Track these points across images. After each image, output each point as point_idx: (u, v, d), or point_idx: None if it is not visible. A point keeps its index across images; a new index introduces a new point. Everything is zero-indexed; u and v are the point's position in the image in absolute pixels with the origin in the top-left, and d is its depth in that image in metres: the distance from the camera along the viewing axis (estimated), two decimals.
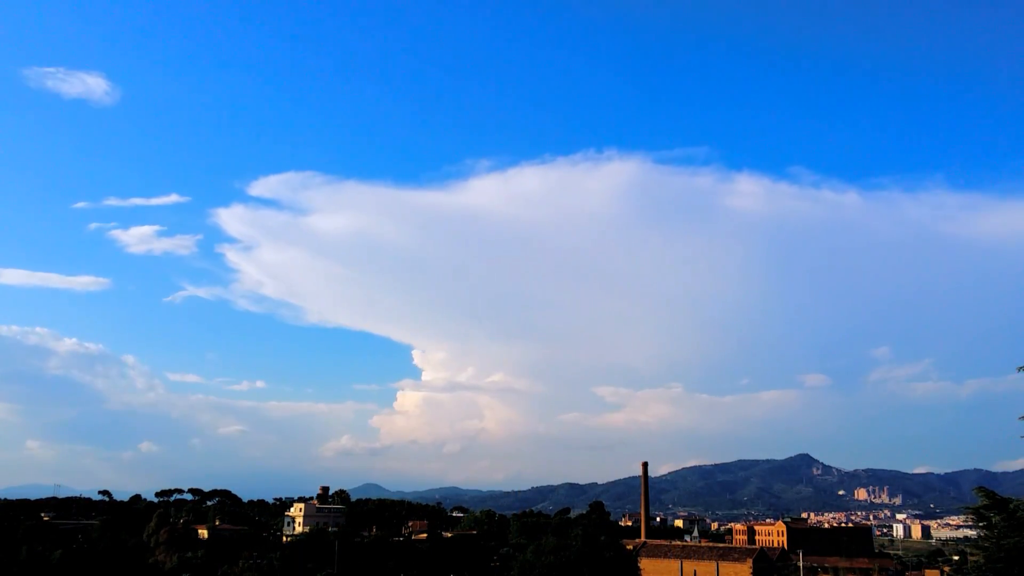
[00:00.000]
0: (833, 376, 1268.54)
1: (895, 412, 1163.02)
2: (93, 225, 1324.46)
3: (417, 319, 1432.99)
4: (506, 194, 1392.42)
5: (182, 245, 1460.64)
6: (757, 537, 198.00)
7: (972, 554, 29.60)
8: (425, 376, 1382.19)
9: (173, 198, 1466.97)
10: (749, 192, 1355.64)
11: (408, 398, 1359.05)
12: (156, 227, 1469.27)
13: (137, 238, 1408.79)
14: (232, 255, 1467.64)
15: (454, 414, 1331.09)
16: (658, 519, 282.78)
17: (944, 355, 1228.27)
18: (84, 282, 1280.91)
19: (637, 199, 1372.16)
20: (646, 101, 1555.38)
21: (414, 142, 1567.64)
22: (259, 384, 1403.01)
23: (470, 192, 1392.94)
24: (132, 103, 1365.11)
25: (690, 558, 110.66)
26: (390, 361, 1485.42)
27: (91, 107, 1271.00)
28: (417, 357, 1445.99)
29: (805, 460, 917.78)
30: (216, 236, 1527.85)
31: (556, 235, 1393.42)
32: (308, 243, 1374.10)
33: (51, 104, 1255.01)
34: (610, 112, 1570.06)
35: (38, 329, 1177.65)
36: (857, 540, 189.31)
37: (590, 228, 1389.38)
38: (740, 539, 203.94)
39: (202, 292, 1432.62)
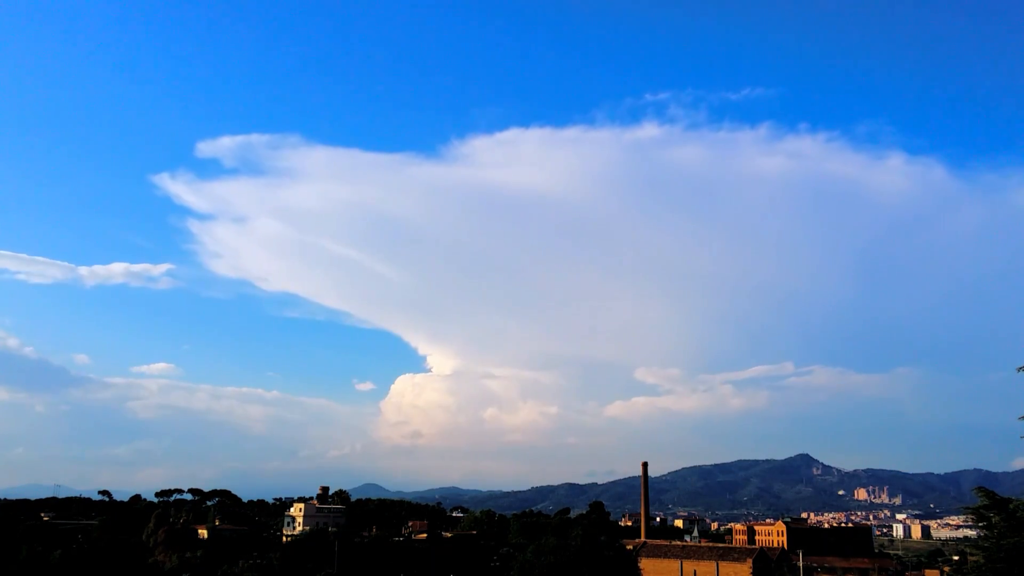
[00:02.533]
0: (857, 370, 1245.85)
1: (896, 410, 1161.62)
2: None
3: (418, 305, 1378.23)
4: (517, 164, 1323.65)
5: (140, 221, 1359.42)
6: (757, 537, 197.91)
7: (972, 554, 29.63)
8: (426, 369, 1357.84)
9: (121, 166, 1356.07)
10: (802, 154, 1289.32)
11: (407, 395, 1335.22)
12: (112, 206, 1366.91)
13: (95, 218, 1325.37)
14: (205, 231, 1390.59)
15: (455, 412, 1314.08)
16: (658, 519, 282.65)
17: (947, 353, 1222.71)
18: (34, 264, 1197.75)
19: (668, 169, 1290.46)
20: (712, 39, 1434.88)
21: (412, 106, 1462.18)
22: (242, 378, 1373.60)
23: (473, 163, 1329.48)
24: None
25: (690, 558, 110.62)
26: (387, 353, 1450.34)
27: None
28: (418, 349, 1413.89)
29: (805, 460, 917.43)
30: (182, 210, 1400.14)
31: (575, 208, 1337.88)
32: (293, 218, 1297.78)
33: None
34: (673, 50, 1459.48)
35: None
36: (857, 540, 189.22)
37: (612, 202, 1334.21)
38: (740, 539, 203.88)
39: (167, 274, 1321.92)
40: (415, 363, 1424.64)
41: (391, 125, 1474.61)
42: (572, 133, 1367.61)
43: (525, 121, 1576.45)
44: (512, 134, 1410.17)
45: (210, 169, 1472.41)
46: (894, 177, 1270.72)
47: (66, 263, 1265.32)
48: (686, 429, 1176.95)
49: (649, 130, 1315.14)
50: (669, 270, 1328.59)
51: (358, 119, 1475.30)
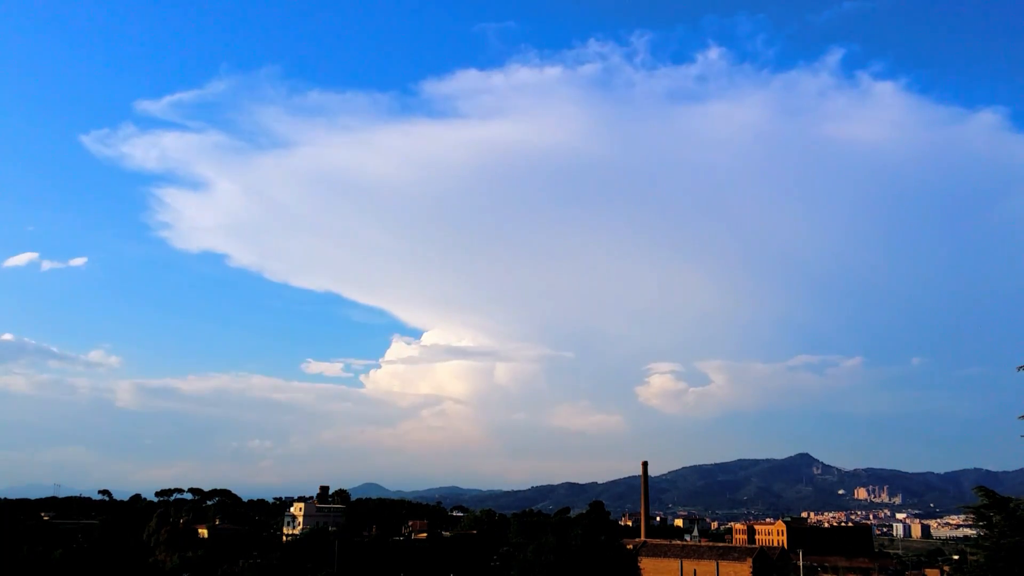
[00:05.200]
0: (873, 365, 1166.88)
1: (895, 410, 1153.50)
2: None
3: (419, 284, 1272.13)
4: (523, 113, 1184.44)
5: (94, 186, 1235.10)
6: (757, 536, 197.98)
7: (972, 553, 29.64)
8: (429, 353, 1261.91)
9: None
10: (876, 106, 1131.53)
11: (407, 384, 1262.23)
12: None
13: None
14: (173, 199, 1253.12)
15: (459, 403, 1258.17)
16: (658, 519, 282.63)
17: (947, 352, 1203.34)
18: None
19: (717, 122, 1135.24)
20: None
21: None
22: (223, 365, 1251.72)
23: (466, 112, 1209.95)
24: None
25: (690, 557, 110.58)
26: (385, 336, 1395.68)
27: None
28: (420, 331, 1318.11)
29: (805, 459, 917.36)
30: (142, 177, 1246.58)
31: (592, 169, 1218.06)
32: (273, 181, 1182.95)
33: None
34: None
35: None
36: (857, 539, 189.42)
37: (639, 161, 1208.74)
38: (740, 538, 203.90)
39: (130, 249, 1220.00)
40: (417, 346, 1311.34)
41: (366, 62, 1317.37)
42: (591, 71, 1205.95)
43: (532, 55, 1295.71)
44: (514, 73, 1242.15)
45: (155, 127, 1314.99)
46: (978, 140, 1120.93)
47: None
48: (688, 428, 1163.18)
49: (700, 69, 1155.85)
50: (709, 245, 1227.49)
51: (324, 56, 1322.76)
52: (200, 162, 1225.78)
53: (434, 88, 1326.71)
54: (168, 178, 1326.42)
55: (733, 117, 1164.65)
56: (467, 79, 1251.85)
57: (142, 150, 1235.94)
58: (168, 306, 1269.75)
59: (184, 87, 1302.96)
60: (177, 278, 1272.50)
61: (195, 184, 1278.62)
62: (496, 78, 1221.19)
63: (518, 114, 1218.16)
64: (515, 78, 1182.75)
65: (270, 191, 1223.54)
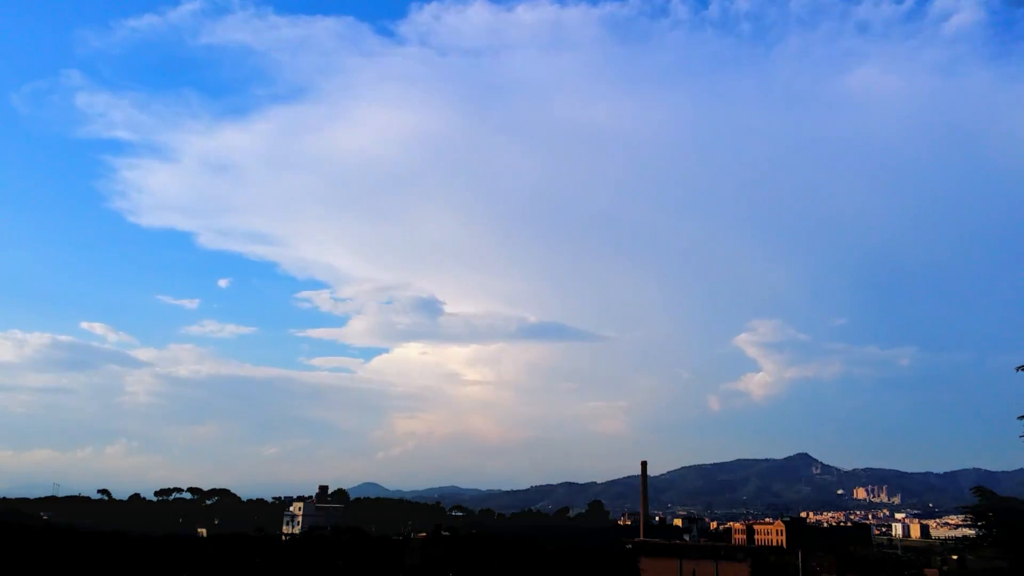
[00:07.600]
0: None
1: (894, 409, 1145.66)
2: None
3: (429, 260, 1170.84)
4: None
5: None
6: (756, 536, 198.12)
7: (970, 554, 29.83)
8: (438, 338, 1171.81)
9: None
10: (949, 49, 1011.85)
11: (410, 373, 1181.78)
12: None
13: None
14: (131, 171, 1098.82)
15: (469, 393, 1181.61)
16: (657, 518, 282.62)
17: (950, 350, 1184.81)
18: None
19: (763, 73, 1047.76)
20: None
21: None
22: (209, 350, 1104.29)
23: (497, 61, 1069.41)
24: None
25: (689, 557, 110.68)
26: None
27: None
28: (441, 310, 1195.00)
29: (804, 459, 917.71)
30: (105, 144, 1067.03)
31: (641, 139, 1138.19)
32: (242, 148, 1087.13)
33: None
34: None
35: None
36: (856, 539, 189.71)
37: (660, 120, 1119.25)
38: (739, 538, 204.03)
39: (90, 226, 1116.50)
40: (414, 335, 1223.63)
41: None
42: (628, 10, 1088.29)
43: None
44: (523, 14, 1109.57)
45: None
46: None
47: None
48: (688, 427, 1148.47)
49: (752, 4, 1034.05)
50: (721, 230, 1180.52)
51: None
52: (161, 126, 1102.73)
53: (423, 20, 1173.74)
54: (123, 143, 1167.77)
55: (776, 74, 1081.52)
56: (469, 13, 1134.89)
57: (98, 109, 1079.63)
58: (138, 288, 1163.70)
59: (136, 14, 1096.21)
60: (140, 256, 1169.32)
61: (157, 151, 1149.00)
62: (502, 15, 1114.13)
63: (530, 59, 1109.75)
64: (526, 18, 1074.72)
65: (237, 159, 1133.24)
